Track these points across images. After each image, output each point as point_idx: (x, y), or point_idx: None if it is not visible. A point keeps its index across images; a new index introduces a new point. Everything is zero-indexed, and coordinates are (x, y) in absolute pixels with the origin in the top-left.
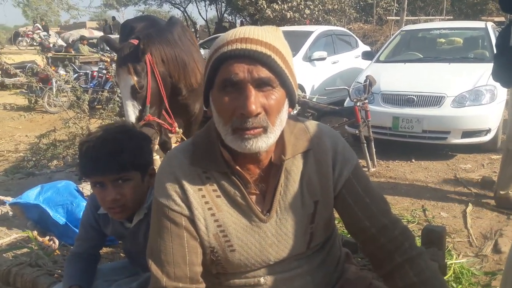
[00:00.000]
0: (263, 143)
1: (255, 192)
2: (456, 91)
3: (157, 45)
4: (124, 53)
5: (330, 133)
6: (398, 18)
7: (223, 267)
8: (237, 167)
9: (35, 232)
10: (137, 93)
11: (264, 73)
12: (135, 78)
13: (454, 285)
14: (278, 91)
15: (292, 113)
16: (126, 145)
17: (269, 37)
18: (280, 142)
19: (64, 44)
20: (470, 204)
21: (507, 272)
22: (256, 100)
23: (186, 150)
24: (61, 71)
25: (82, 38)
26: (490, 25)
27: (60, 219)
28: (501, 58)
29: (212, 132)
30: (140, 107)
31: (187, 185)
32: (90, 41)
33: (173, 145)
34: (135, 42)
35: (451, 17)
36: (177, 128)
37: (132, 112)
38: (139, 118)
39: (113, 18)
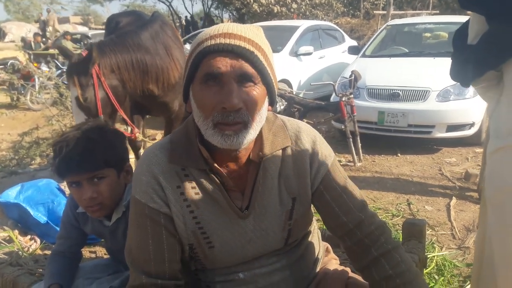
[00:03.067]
0: (243, 139)
1: (233, 189)
2: (441, 86)
3: (108, 55)
4: (71, 65)
5: (308, 130)
6: (385, 12)
7: (202, 264)
8: (216, 165)
9: (16, 232)
10: (82, 104)
11: (247, 68)
12: (79, 91)
13: (436, 277)
14: (259, 87)
15: (278, 110)
16: (99, 143)
17: (251, 34)
18: (259, 139)
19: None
20: (454, 197)
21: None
22: (238, 94)
23: (164, 147)
24: (44, 68)
25: (65, 34)
26: None
27: (41, 218)
28: (459, 57)
29: (191, 129)
30: (87, 117)
31: (165, 183)
32: (74, 36)
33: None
34: (84, 53)
35: (438, 11)
36: (137, 134)
37: (78, 120)
38: None
39: (48, 10)
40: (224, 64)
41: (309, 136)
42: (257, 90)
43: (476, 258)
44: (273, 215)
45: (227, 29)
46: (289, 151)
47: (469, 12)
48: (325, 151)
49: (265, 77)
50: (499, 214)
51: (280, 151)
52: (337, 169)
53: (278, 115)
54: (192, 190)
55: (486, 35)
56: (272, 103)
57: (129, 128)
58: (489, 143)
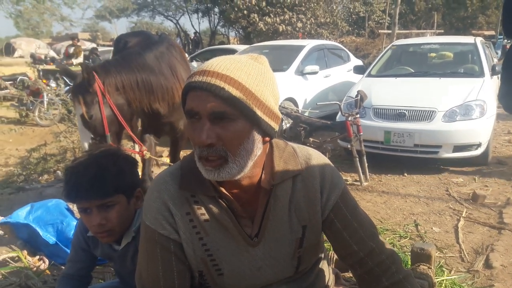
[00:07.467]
0: (226, 174)
1: (243, 216)
2: (447, 106)
3: (113, 74)
4: (76, 83)
5: (318, 158)
6: (390, 31)
7: None
8: (224, 191)
9: (25, 252)
10: (88, 122)
11: (217, 105)
12: (84, 109)
13: None
14: (237, 122)
15: (284, 128)
16: (109, 170)
17: (231, 68)
18: (269, 167)
19: (56, 56)
20: (462, 218)
21: None
22: (210, 131)
23: (174, 174)
24: (53, 84)
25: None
26: (479, 40)
27: (50, 238)
28: (509, 79)
29: None
30: (93, 135)
31: (174, 209)
32: (84, 53)
33: None
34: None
35: (442, 31)
36: (145, 152)
37: (83, 139)
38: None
39: None
40: (196, 101)
41: (320, 163)
42: (234, 125)
43: None
44: (283, 243)
45: (208, 66)
46: (299, 179)
47: (474, 31)
48: (336, 179)
49: (245, 111)
50: None
51: (291, 178)
52: (348, 197)
53: (289, 142)
54: (201, 217)
55: None
56: (266, 134)
57: (136, 146)
58: None
